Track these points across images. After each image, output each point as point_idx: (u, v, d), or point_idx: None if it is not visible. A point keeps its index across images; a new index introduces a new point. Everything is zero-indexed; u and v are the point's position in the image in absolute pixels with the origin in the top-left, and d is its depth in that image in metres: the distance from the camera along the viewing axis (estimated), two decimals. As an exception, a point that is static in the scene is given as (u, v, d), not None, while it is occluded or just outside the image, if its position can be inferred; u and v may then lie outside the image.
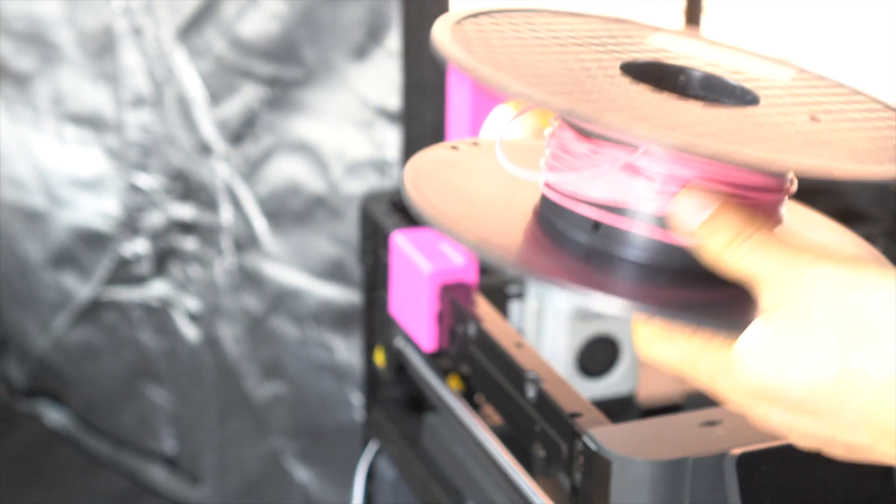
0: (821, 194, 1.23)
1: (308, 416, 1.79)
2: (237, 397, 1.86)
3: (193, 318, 1.89)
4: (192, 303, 1.88)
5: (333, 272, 1.72)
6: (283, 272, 1.76)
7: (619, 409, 1.06)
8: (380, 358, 1.07)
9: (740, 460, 0.79)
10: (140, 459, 2.04)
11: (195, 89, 1.77)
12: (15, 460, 2.07)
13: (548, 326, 1.03)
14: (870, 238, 1.18)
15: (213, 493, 1.95)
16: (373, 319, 1.08)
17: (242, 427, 1.87)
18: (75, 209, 1.98)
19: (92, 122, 1.93)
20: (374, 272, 1.07)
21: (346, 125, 1.65)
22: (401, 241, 1.00)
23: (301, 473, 1.83)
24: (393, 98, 1.61)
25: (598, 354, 1.04)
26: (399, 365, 1.05)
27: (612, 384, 1.05)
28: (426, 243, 0.99)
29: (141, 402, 2.01)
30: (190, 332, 1.90)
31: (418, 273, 0.97)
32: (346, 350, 1.73)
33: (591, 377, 1.05)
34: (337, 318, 1.73)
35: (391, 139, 1.62)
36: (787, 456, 0.81)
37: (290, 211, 1.73)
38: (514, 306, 1.09)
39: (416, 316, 0.98)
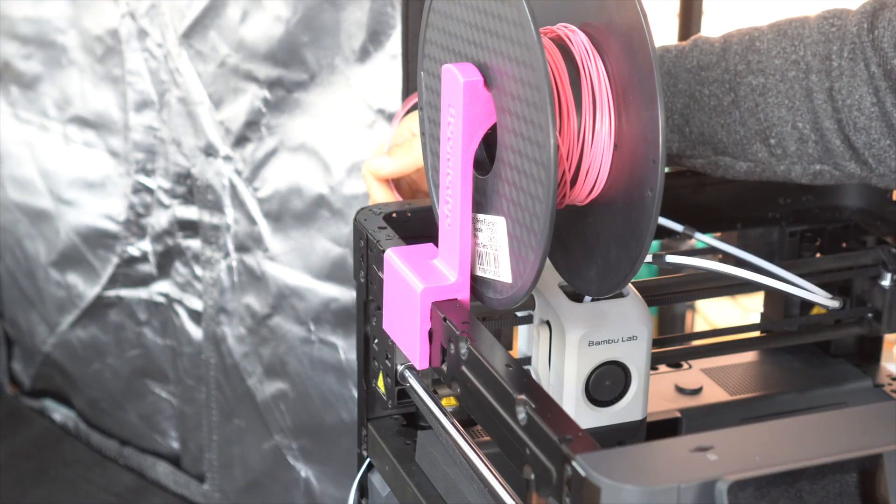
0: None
1: (310, 414, 1.78)
2: (240, 395, 1.85)
3: (197, 317, 1.88)
4: (195, 302, 1.87)
5: (335, 272, 1.71)
6: (286, 272, 1.75)
7: (629, 436, 1.03)
8: (381, 384, 1.04)
9: (732, 488, 0.77)
10: (145, 456, 2.03)
11: (199, 92, 1.76)
12: (22, 457, 2.06)
13: (556, 352, 1.01)
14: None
15: (216, 489, 1.94)
16: (368, 337, 1.06)
17: (245, 425, 1.86)
18: (81, 210, 1.97)
19: (97, 125, 1.92)
20: (367, 288, 1.04)
21: (347, 127, 1.64)
22: (393, 258, 0.97)
23: (303, 470, 1.82)
24: (394, 100, 1.60)
25: (608, 381, 1.01)
26: (399, 388, 1.03)
27: (621, 411, 1.02)
28: (419, 260, 0.97)
29: (146, 399, 2.00)
30: (194, 331, 1.89)
31: (410, 290, 0.94)
32: (348, 349, 1.72)
33: (600, 404, 1.02)
34: (338, 317, 1.72)
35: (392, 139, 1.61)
36: (780, 483, 0.79)
37: (292, 211, 1.72)
38: (522, 330, 1.06)
39: (407, 333, 0.95)
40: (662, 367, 1.16)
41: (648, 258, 0.98)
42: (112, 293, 1.97)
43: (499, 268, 0.94)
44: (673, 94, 1.08)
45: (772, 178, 1.09)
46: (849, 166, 1.05)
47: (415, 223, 1.07)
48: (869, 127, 1.02)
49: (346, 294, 1.70)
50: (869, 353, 1.21)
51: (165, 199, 1.86)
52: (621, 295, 1.01)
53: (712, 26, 2.37)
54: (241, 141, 1.74)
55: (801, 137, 1.05)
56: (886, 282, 1.13)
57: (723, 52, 1.08)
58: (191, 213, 1.83)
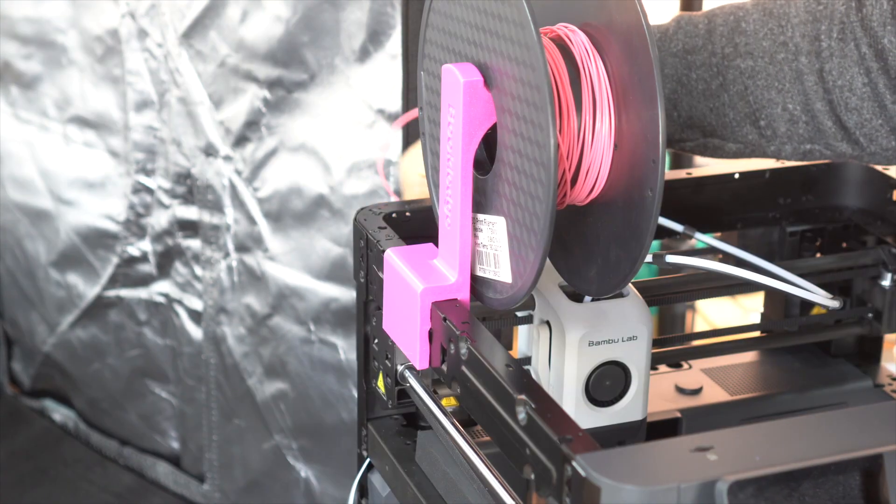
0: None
1: (310, 414, 1.78)
2: (240, 395, 1.84)
3: (197, 317, 1.87)
4: (195, 302, 1.87)
5: (335, 272, 1.70)
6: (286, 272, 1.74)
7: (629, 436, 1.02)
8: (381, 384, 1.04)
9: (732, 488, 0.76)
10: (145, 456, 2.02)
11: (199, 92, 1.75)
12: (22, 457, 2.06)
13: (556, 352, 1.00)
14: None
15: (216, 489, 1.93)
16: (368, 337, 1.05)
17: (245, 424, 1.86)
18: (81, 210, 1.97)
19: (97, 125, 1.91)
20: (367, 288, 1.04)
21: (347, 127, 1.64)
22: (393, 258, 0.97)
23: (303, 470, 1.82)
24: (394, 100, 1.60)
25: (608, 381, 1.01)
26: (399, 388, 1.02)
27: (621, 411, 1.02)
28: (419, 260, 0.96)
29: (146, 399, 1.99)
30: (194, 331, 1.88)
31: (410, 290, 0.94)
32: (348, 349, 1.72)
33: (600, 404, 1.01)
34: (338, 317, 1.72)
35: (392, 140, 1.60)
36: (780, 483, 0.79)
37: (292, 211, 1.72)
38: (522, 330, 1.06)
39: (407, 333, 0.95)
40: (662, 367, 1.15)
41: (648, 258, 0.98)
42: (112, 293, 1.97)
43: (499, 268, 0.94)
44: None
45: (761, 158, 1.08)
46: (840, 146, 1.04)
47: (415, 223, 1.06)
48: (861, 107, 1.01)
49: (346, 294, 1.69)
50: (869, 353, 1.20)
51: (165, 199, 1.85)
52: (621, 295, 1.01)
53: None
54: (241, 141, 1.73)
55: (792, 119, 1.04)
56: (886, 282, 1.13)
57: (708, 34, 1.07)
58: (191, 213, 1.83)
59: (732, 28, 1.06)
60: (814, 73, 1.02)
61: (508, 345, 1.08)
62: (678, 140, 1.09)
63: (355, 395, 1.65)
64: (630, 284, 1.01)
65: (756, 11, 1.05)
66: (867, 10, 1.00)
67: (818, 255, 1.19)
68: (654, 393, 1.11)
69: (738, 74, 1.05)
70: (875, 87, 1.00)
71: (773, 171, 1.17)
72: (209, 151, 1.76)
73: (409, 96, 1.57)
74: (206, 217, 1.80)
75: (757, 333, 1.18)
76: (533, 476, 0.83)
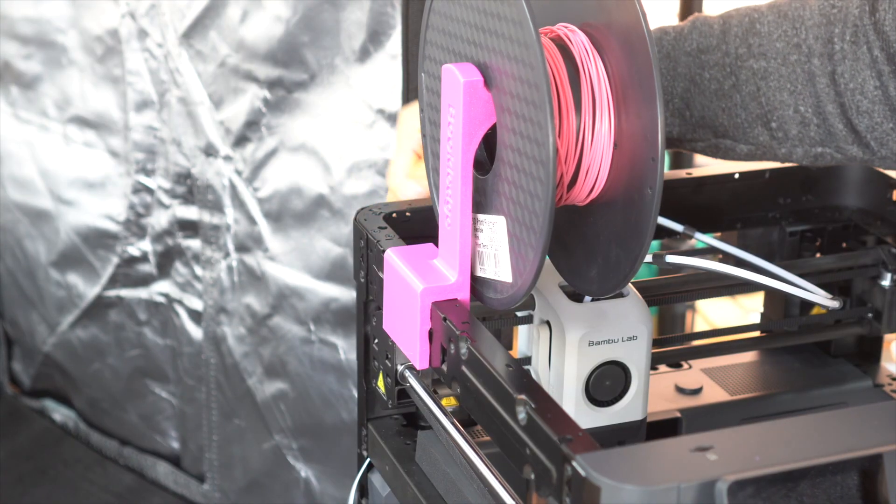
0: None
1: (310, 414, 1.78)
2: (240, 395, 1.84)
3: (197, 317, 1.87)
4: (195, 302, 1.87)
5: (335, 272, 1.70)
6: (286, 272, 1.74)
7: (629, 436, 1.02)
8: (381, 384, 1.04)
9: (732, 488, 0.77)
10: (145, 456, 2.02)
11: (199, 92, 1.75)
12: (22, 457, 2.06)
13: (556, 352, 1.00)
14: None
15: (216, 489, 1.93)
16: (368, 337, 1.05)
17: (245, 425, 1.86)
18: (81, 210, 1.97)
19: (97, 125, 1.91)
20: (367, 288, 1.04)
21: (347, 127, 1.64)
22: (393, 258, 0.97)
23: (303, 470, 1.82)
24: (394, 100, 1.60)
25: (608, 381, 1.01)
26: (399, 388, 1.02)
27: (621, 411, 1.02)
28: (419, 260, 0.96)
29: (146, 399, 1.99)
30: (194, 331, 1.88)
31: (410, 290, 0.94)
32: (348, 349, 1.72)
33: (600, 404, 1.01)
34: (338, 317, 1.72)
35: (392, 140, 1.60)
36: (779, 483, 0.79)
37: (292, 211, 1.72)
38: (522, 330, 1.06)
39: (407, 333, 0.95)
40: (662, 367, 1.15)
41: (648, 258, 0.98)
42: (112, 293, 1.97)
43: (499, 267, 0.94)
44: (673, 78, 1.08)
45: (773, 161, 1.08)
46: (851, 149, 1.04)
47: (415, 223, 1.06)
48: (871, 111, 1.02)
49: (346, 294, 1.69)
50: (869, 353, 1.20)
51: (165, 199, 1.85)
52: (621, 295, 1.01)
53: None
54: (241, 141, 1.73)
55: (803, 121, 1.04)
56: (886, 282, 1.13)
57: (723, 34, 1.07)
58: (191, 213, 1.83)
59: (747, 29, 1.06)
60: (826, 76, 1.02)
61: (508, 345, 1.08)
62: (690, 140, 1.10)
63: (355, 395, 1.66)
64: (630, 284, 1.01)
65: (771, 13, 1.06)
66: (880, 14, 1.00)
67: (818, 255, 1.19)
68: (654, 393, 1.11)
69: (750, 75, 1.05)
70: (886, 90, 1.01)
71: (773, 171, 1.17)
72: (209, 151, 1.77)
73: (409, 96, 1.57)
74: (206, 217, 1.80)
75: (757, 333, 1.18)
76: (533, 476, 0.83)
